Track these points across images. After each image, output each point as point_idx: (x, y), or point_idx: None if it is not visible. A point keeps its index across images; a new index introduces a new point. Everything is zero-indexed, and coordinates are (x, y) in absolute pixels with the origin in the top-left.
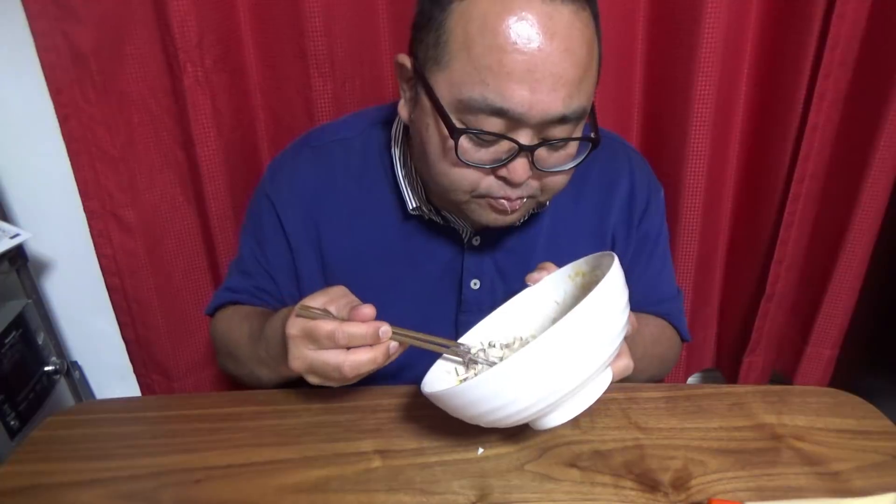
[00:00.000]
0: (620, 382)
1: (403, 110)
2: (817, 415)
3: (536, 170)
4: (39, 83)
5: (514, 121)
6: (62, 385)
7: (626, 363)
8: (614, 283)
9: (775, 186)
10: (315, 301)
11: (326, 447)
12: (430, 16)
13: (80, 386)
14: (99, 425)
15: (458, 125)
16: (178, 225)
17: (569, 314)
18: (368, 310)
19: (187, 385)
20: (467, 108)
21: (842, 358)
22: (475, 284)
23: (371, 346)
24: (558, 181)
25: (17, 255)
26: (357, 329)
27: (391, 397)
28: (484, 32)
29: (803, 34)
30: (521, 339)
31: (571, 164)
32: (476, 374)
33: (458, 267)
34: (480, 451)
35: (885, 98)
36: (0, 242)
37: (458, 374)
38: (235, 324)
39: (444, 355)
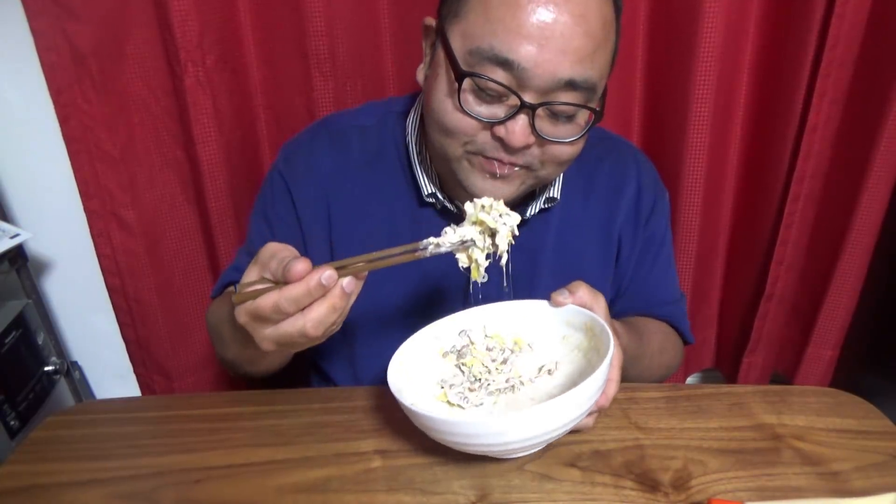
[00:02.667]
0: (620, 382)
1: (420, 73)
2: (817, 415)
3: (537, 136)
4: (39, 83)
5: (519, 78)
6: (62, 385)
7: (588, 422)
8: (595, 382)
9: (775, 186)
10: (250, 275)
11: (326, 447)
12: None
13: (80, 386)
14: (99, 425)
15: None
16: (178, 225)
17: (548, 403)
18: (301, 265)
19: (187, 385)
20: (476, 57)
21: (842, 358)
22: (483, 277)
23: (324, 296)
24: (559, 153)
25: (17, 255)
26: (298, 290)
27: (391, 397)
28: None
29: (803, 34)
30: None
31: (574, 137)
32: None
33: None
34: None
35: (885, 98)
36: (0, 242)
37: (441, 341)
38: (222, 305)
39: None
